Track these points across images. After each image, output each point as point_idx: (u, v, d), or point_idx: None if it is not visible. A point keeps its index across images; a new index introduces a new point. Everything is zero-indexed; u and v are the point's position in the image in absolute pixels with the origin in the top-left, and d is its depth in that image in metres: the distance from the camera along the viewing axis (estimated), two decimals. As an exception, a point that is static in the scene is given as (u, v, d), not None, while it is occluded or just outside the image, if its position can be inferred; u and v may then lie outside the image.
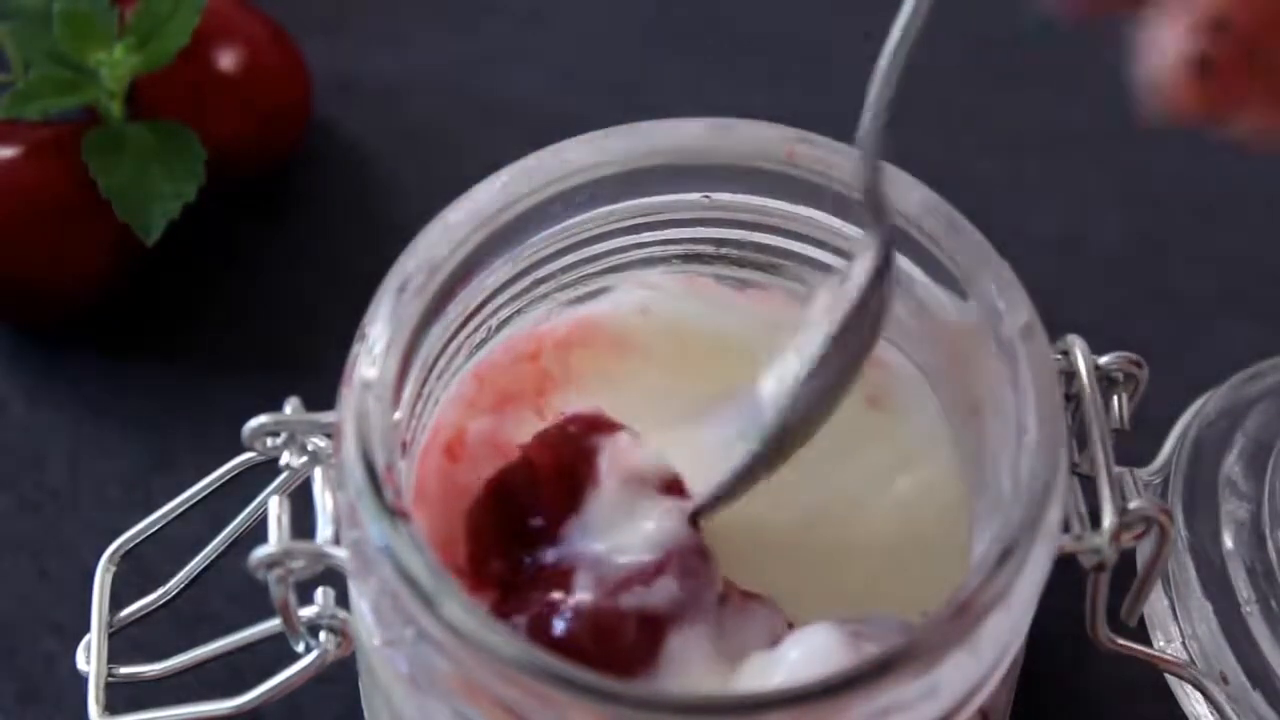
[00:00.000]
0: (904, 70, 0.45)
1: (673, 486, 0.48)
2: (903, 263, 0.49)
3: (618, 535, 0.47)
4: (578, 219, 0.50)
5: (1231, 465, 0.55)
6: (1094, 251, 0.67)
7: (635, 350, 0.53)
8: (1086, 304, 0.65)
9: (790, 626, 0.48)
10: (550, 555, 0.47)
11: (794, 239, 0.51)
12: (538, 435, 0.49)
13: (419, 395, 0.48)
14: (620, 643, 0.46)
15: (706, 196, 0.51)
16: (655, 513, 0.47)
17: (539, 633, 0.46)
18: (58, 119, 0.63)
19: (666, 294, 0.53)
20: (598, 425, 0.49)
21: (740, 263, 0.53)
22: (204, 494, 0.52)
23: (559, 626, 0.46)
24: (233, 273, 0.66)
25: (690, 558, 0.47)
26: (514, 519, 0.48)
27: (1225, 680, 0.53)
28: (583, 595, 0.46)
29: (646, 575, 0.46)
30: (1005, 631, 0.45)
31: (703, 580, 0.47)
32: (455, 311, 0.49)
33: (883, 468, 0.51)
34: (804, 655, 0.46)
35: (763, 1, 0.73)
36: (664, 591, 0.46)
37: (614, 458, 0.48)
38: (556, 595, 0.46)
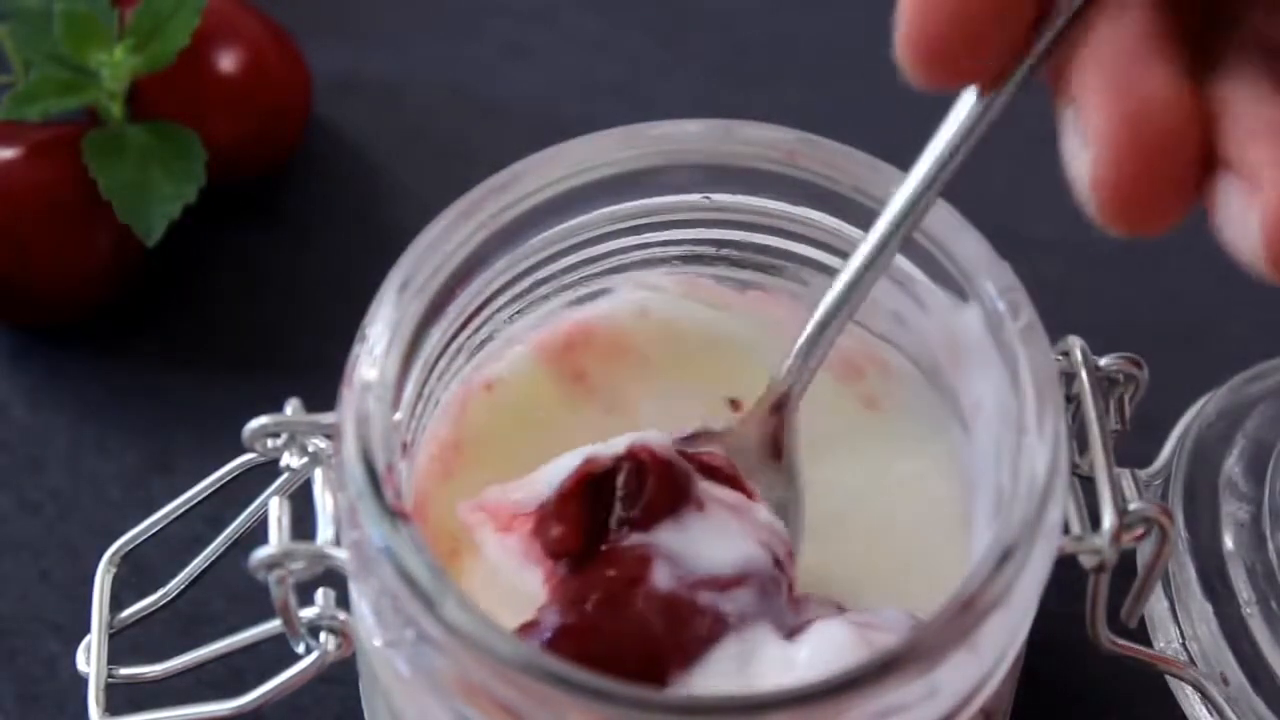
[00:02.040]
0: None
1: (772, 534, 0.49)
2: (902, 263, 0.49)
3: (705, 547, 0.47)
4: (578, 220, 0.50)
5: (1232, 466, 0.55)
6: (1094, 252, 0.67)
7: (635, 351, 0.53)
8: (1086, 304, 0.65)
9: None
10: (631, 540, 0.47)
11: (795, 240, 0.51)
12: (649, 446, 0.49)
13: (419, 396, 0.48)
14: (689, 633, 0.46)
15: (707, 197, 0.51)
16: (747, 543, 0.48)
17: (609, 607, 0.46)
18: (58, 120, 0.63)
19: (667, 295, 0.53)
20: (717, 475, 0.49)
21: (741, 264, 0.53)
22: (204, 495, 0.52)
23: (631, 603, 0.46)
24: (233, 273, 0.66)
25: (770, 583, 0.47)
26: (607, 503, 0.48)
27: (1225, 681, 0.53)
28: (662, 582, 0.46)
29: (724, 583, 0.47)
30: (1006, 632, 0.45)
31: (777, 600, 0.47)
32: (455, 312, 0.49)
33: (882, 468, 0.51)
34: (815, 650, 0.46)
35: (763, 1, 0.73)
36: (740, 601, 0.47)
37: (722, 499, 0.49)
38: (635, 575, 0.47)
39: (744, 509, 0.48)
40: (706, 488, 0.48)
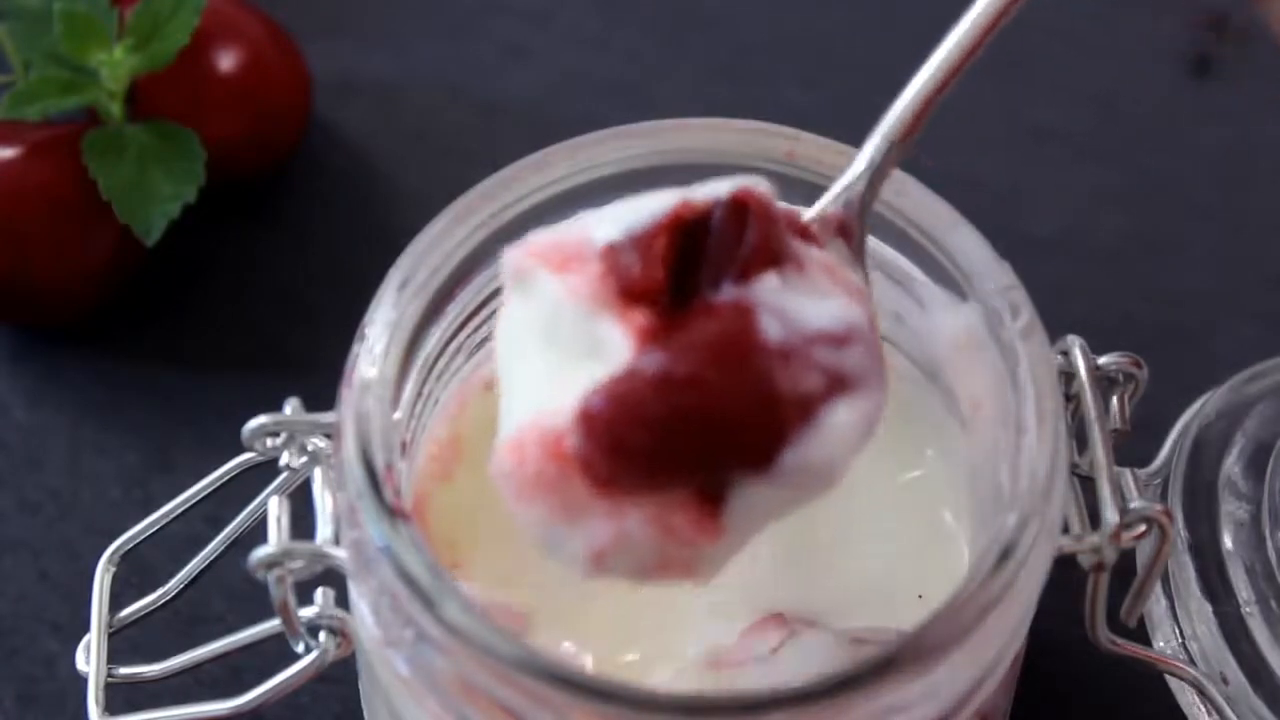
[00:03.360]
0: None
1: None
2: (902, 263, 0.49)
3: (810, 303, 0.43)
4: (577, 219, 0.50)
5: (1231, 465, 0.55)
6: (1094, 252, 0.67)
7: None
8: (1086, 304, 0.65)
9: None
10: (729, 292, 0.43)
11: (794, 239, 0.51)
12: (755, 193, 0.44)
13: (419, 395, 0.48)
14: (807, 389, 0.42)
15: (707, 197, 0.51)
16: (850, 303, 0.44)
17: (721, 356, 0.42)
18: (58, 119, 0.63)
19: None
20: (806, 236, 0.46)
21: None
22: (204, 494, 0.52)
23: (744, 353, 0.42)
24: (233, 273, 0.66)
25: (875, 346, 0.43)
26: (695, 250, 0.43)
27: (1225, 681, 0.53)
28: (774, 334, 0.42)
29: (838, 338, 0.42)
30: (1005, 632, 0.45)
31: (876, 370, 0.43)
32: (455, 311, 0.49)
33: (881, 468, 0.51)
34: (803, 661, 0.46)
35: (763, 1, 0.73)
36: (853, 358, 0.42)
37: (818, 258, 0.45)
38: (741, 325, 0.42)
39: (838, 271, 0.45)
40: (800, 246, 0.45)
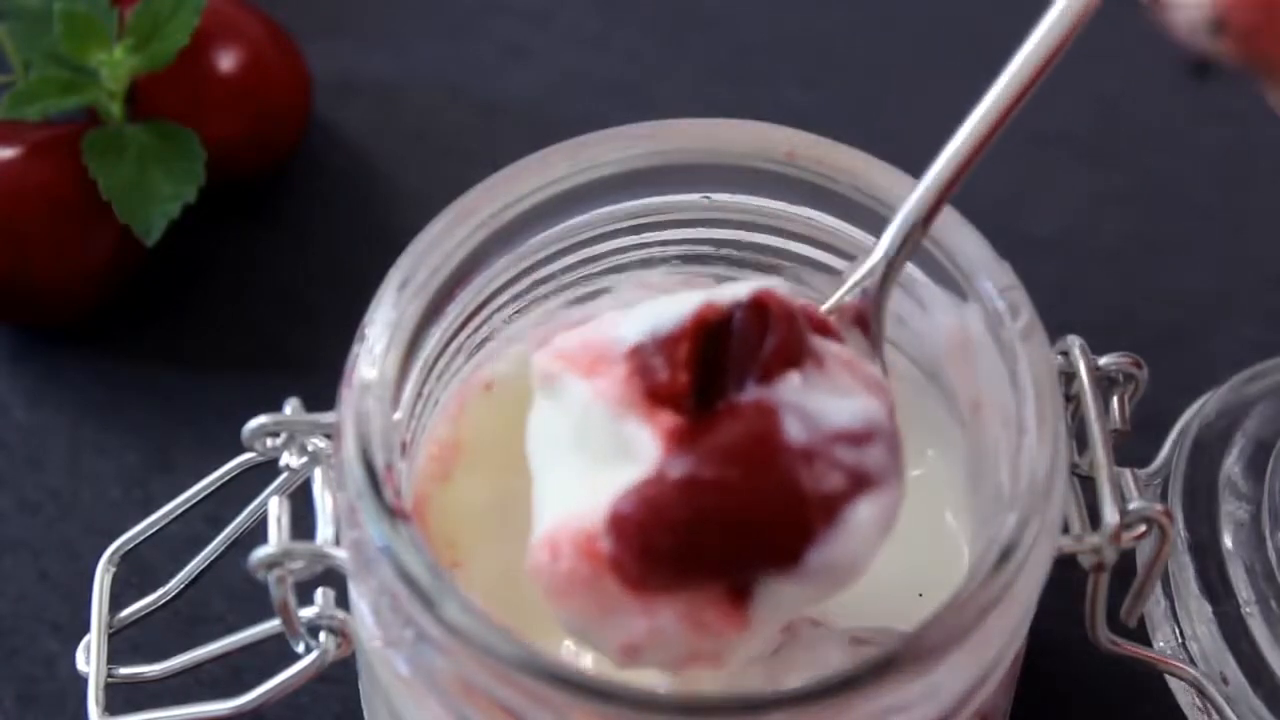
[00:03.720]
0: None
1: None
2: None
3: (830, 401, 0.44)
4: (578, 219, 0.50)
5: (1231, 465, 0.55)
6: (1094, 251, 0.67)
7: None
8: (1086, 304, 0.65)
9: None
10: (752, 393, 0.44)
11: (794, 239, 0.51)
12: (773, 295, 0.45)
13: (419, 396, 0.48)
14: (830, 489, 0.43)
15: (706, 197, 0.51)
16: (869, 398, 0.44)
17: (746, 458, 0.42)
18: (58, 119, 0.63)
19: (667, 295, 0.53)
20: (826, 331, 0.46)
21: (741, 264, 0.52)
22: (204, 494, 0.52)
23: (769, 455, 0.43)
24: (233, 273, 0.66)
25: (895, 440, 0.44)
26: (717, 351, 0.44)
27: (1225, 681, 0.53)
28: (797, 435, 0.43)
29: (858, 437, 0.43)
30: (1005, 632, 0.45)
31: (896, 466, 0.44)
32: (455, 311, 0.49)
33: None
34: (802, 661, 0.46)
35: (763, 1, 0.73)
36: (874, 455, 0.43)
37: (837, 354, 0.45)
38: (765, 427, 0.43)
39: (857, 365, 0.45)
40: (819, 342, 0.45)
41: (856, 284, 0.47)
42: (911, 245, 0.47)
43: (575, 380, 0.45)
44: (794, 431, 0.43)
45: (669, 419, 0.43)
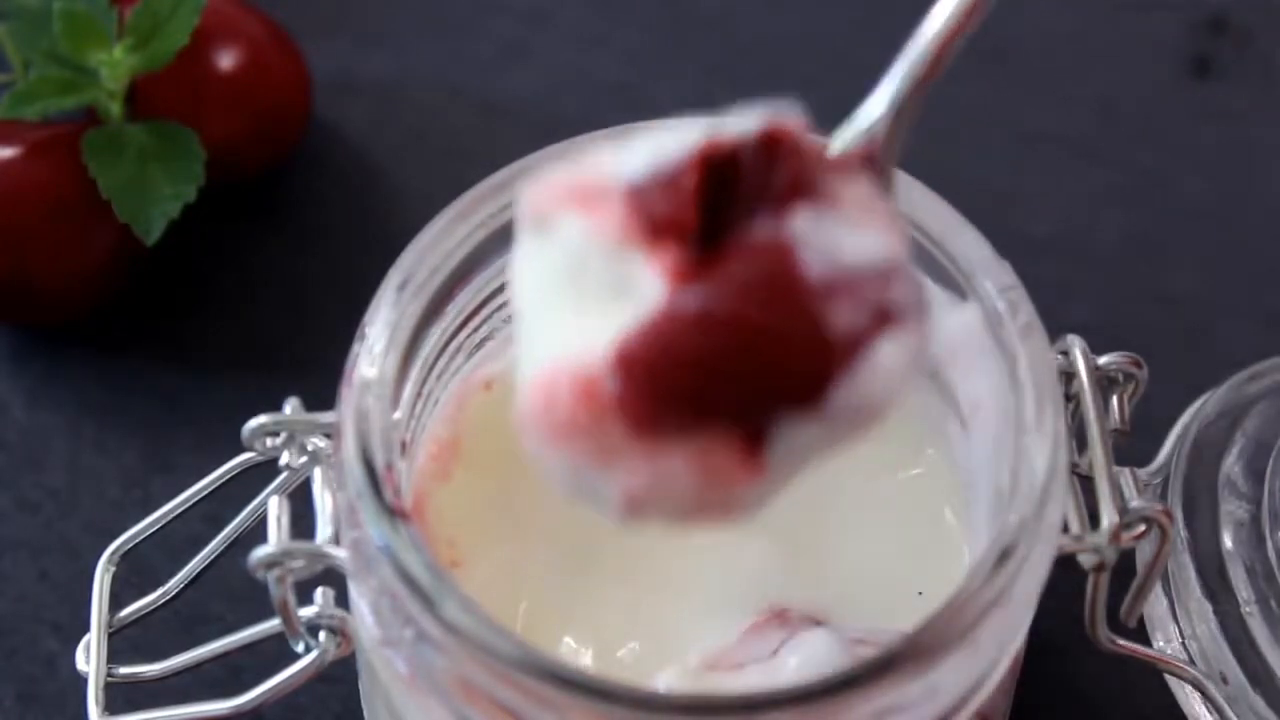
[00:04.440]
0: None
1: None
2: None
3: (848, 237, 0.41)
4: (577, 219, 0.50)
5: (1231, 465, 0.55)
6: (1094, 251, 0.67)
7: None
8: (1086, 304, 0.65)
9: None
10: (763, 228, 0.41)
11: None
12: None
13: (419, 395, 0.48)
14: (852, 326, 0.40)
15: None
16: (890, 236, 0.42)
17: (762, 293, 0.40)
18: (58, 119, 0.63)
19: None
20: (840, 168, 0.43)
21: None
22: (204, 494, 0.52)
23: (787, 289, 0.40)
24: (233, 273, 0.66)
25: (914, 278, 0.41)
26: (724, 184, 0.41)
27: (1225, 680, 0.53)
28: (816, 269, 0.40)
29: (881, 273, 0.40)
30: (1005, 631, 0.45)
31: (920, 304, 0.41)
32: (455, 311, 0.49)
33: (880, 467, 0.51)
34: (802, 663, 0.46)
35: (763, 2, 0.73)
36: (898, 293, 0.40)
37: (852, 192, 0.42)
38: (781, 261, 0.40)
39: (873, 202, 0.42)
40: (832, 178, 0.42)
41: (865, 131, 0.44)
42: (919, 96, 0.44)
43: (570, 216, 0.41)
44: (812, 266, 0.40)
45: (675, 255, 0.40)
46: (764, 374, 0.39)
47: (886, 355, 0.40)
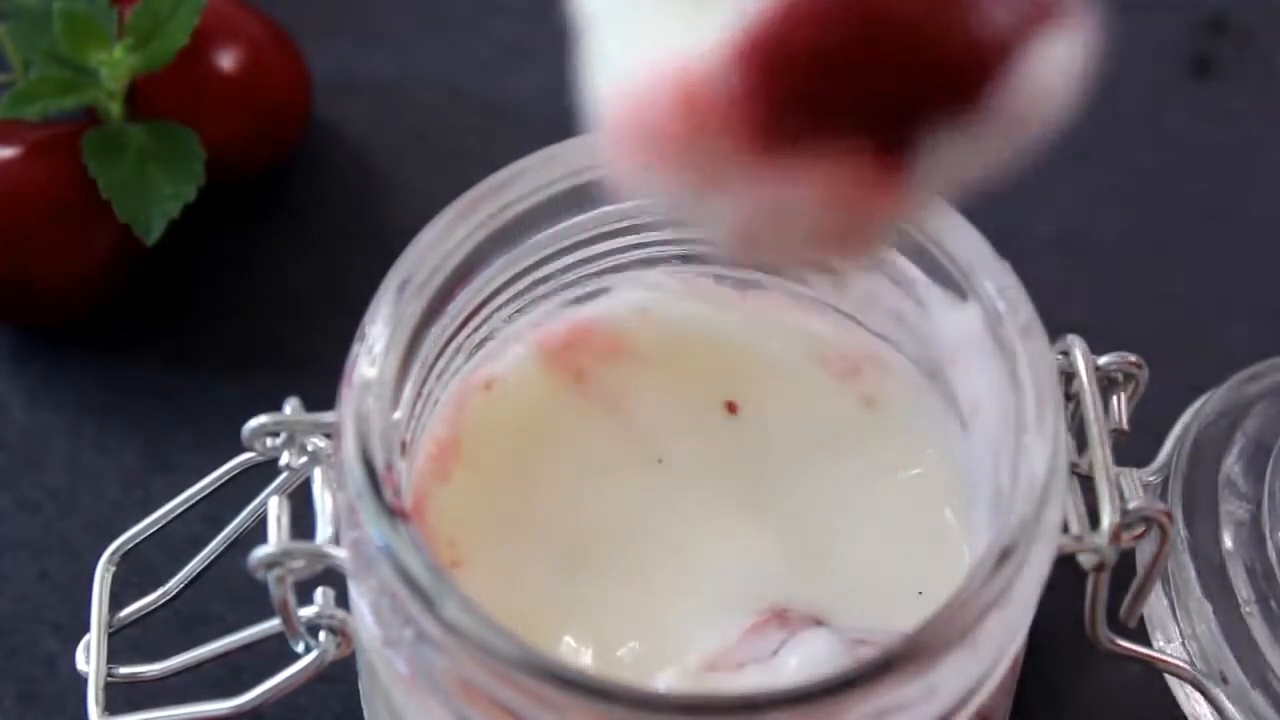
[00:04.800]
0: None
1: None
2: (902, 263, 0.49)
3: None
4: (578, 219, 0.50)
5: (1231, 465, 0.55)
6: (1094, 251, 0.67)
7: (634, 351, 0.53)
8: (1086, 304, 0.65)
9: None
10: None
11: (793, 239, 0.51)
12: None
13: (418, 395, 0.48)
14: (1007, 17, 0.33)
15: (706, 196, 0.51)
16: None
17: None
18: (58, 119, 0.63)
19: (666, 294, 0.53)
20: None
21: (740, 263, 0.52)
22: (204, 494, 0.52)
23: None
24: (232, 273, 0.66)
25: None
26: None
27: (1225, 680, 0.53)
28: None
29: None
30: (1005, 632, 0.45)
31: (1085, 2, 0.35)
32: (454, 311, 0.49)
33: (880, 467, 0.51)
34: (802, 663, 0.46)
35: (763, 1, 0.73)
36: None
37: None
38: None
39: None
40: None
41: None
42: None
43: None
44: None
45: None
46: (913, 72, 0.33)
47: (1049, 55, 0.34)
